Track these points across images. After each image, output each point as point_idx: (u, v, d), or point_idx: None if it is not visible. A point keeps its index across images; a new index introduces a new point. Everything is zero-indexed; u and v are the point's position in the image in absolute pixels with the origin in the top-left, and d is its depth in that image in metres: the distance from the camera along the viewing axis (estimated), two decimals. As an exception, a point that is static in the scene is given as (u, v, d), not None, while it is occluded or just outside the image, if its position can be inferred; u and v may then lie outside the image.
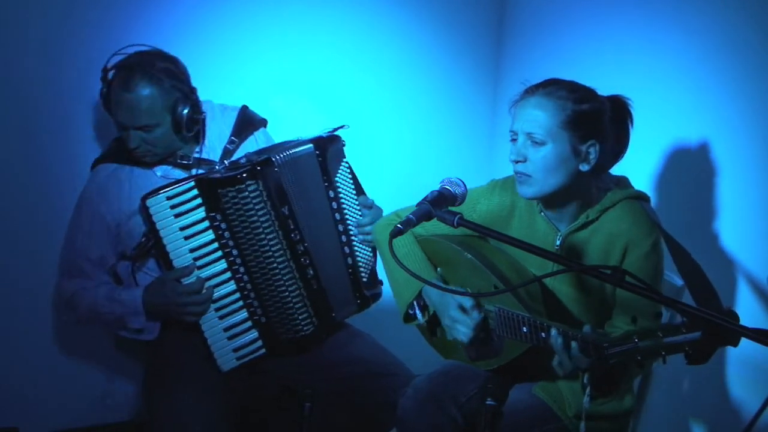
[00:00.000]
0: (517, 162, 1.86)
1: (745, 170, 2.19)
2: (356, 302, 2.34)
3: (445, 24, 3.07)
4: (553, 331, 1.75)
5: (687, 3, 2.35)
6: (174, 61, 2.16)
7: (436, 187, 1.78)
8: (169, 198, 2.05)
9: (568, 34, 2.86)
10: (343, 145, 2.33)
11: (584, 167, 1.86)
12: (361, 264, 2.35)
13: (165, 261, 2.10)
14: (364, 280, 2.35)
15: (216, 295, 2.12)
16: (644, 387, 2.13)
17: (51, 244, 2.35)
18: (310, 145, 2.21)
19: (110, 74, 2.13)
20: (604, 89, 1.92)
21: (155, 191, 2.05)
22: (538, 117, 1.82)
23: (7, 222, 2.48)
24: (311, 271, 2.17)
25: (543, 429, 1.95)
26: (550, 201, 1.92)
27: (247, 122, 2.36)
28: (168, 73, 2.10)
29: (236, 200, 2.05)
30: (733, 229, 2.24)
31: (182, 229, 2.07)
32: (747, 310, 2.13)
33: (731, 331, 1.40)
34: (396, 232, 1.65)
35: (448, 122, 3.18)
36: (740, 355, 2.18)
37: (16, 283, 2.51)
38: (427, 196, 1.74)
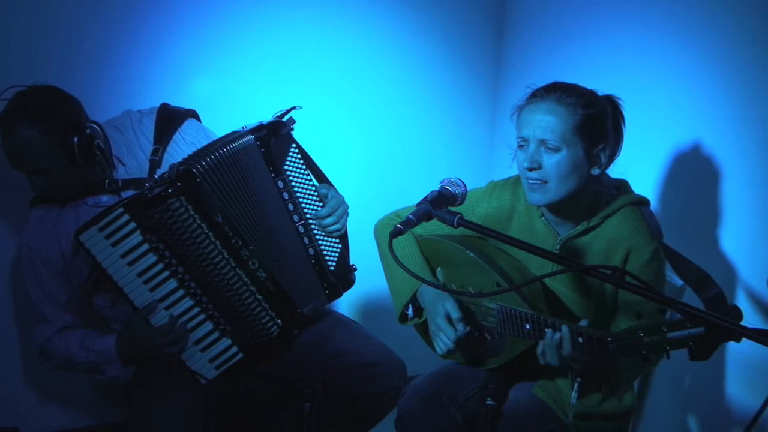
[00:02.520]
0: (531, 169, 1.83)
1: (744, 173, 2.20)
2: (324, 292, 2.27)
3: (446, 27, 3.07)
4: (560, 329, 1.75)
5: (685, 9, 2.35)
6: (51, 93, 2.04)
7: (436, 187, 1.77)
8: (101, 229, 1.98)
9: (567, 37, 2.86)
10: (291, 130, 2.18)
11: (596, 171, 1.85)
12: (326, 252, 2.25)
13: (117, 290, 2.06)
14: (332, 268, 2.26)
15: (176, 312, 2.08)
16: (644, 387, 2.12)
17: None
18: (250, 137, 2.08)
19: None
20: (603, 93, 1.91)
21: (86, 226, 1.98)
22: (551, 123, 1.80)
23: (8, 222, 2.48)
24: (263, 274, 2.11)
25: (543, 429, 1.95)
26: (557, 206, 1.90)
27: (168, 121, 2.24)
28: (46, 108, 1.98)
29: (163, 221, 1.99)
30: (731, 231, 2.24)
31: (123, 256, 2.01)
32: (747, 310, 2.13)
33: (732, 330, 1.40)
34: (396, 232, 1.64)
35: (448, 124, 3.18)
36: (740, 354, 2.18)
37: (16, 282, 2.50)
38: (427, 196, 1.73)
